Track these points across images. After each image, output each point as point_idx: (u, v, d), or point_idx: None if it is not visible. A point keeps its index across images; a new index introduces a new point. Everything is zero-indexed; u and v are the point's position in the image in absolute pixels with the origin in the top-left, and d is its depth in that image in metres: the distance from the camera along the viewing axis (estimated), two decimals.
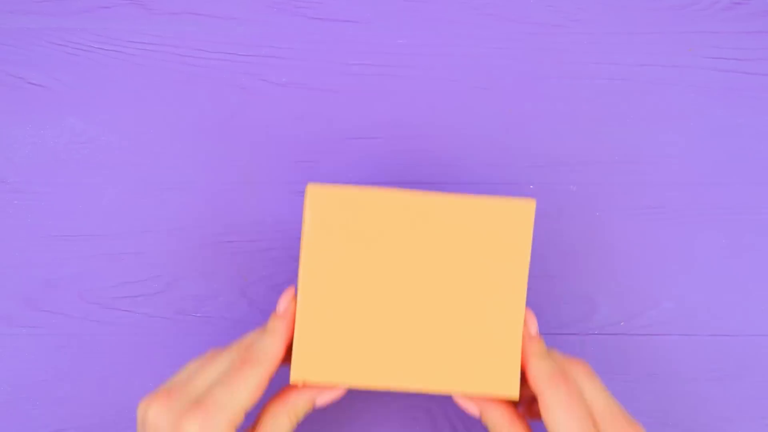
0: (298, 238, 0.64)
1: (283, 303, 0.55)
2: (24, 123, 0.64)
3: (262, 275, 0.64)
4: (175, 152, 0.64)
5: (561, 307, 0.64)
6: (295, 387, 0.55)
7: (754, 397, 0.64)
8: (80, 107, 0.64)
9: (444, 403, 0.64)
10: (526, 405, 0.60)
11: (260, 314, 0.64)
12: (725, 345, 0.64)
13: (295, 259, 0.64)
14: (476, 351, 0.54)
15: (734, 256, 0.65)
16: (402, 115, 0.65)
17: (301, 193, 0.64)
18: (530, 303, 0.64)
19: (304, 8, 0.65)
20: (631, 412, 0.64)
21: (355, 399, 0.64)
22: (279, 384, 0.58)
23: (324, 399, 0.55)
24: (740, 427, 0.64)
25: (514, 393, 0.54)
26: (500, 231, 0.54)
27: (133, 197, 0.64)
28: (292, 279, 0.64)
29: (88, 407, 0.63)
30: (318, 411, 0.64)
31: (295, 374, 0.54)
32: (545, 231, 0.65)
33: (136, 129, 0.64)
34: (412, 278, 0.54)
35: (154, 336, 0.63)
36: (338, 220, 0.54)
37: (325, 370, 0.54)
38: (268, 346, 0.54)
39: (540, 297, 0.64)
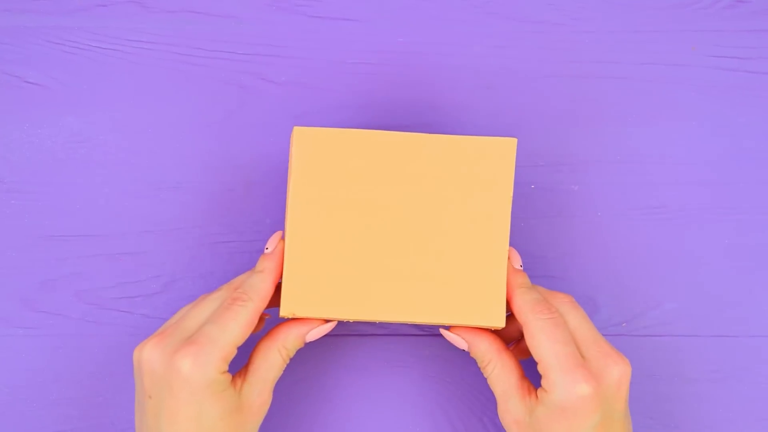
0: None
1: (272, 243, 0.57)
2: (21, 122, 0.64)
3: None
4: (173, 152, 0.64)
5: None
6: (284, 324, 0.57)
7: (755, 399, 0.64)
8: (78, 106, 0.64)
9: (444, 403, 0.64)
10: (515, 343, 0.61)
11: None
12: (727, 346, 0.64)
13: None
14: (462, 284, 0.56)
15: (736, 257, 0.65)
16: (402, 113, 0.65)
17: None
18: None
19: (304, 6, 0.65)
20: (633, 412, 0.63)
21: (355, 399, 0.64)
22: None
23: (313, 334, 0.57)
24: (742, 428, 0.64)
25: (500, 322, 0.56)
26: (483, 168, 0.56)
27: (130, 197, 0.64)
28: None
29: (86, 408, 0.63)
30: (319, 418, 0.64)
31: (285, 308, 0.55)
32: (546, 231, 0.64)
33: (134, 128, 0.64)
34: (398, 215, 0.56)
35: None
36: (324, 160, 0.56)
37: (314, 304, 0.56)
38: (257, 284, 0.55)
39: None
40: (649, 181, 0.65)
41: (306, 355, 0.63)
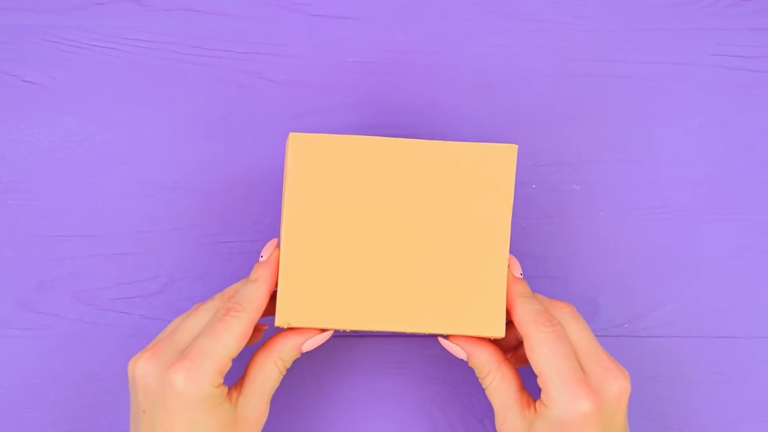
0: None
1: (267, 251, 0.56)
2: (18, 121, 0.63)
3: None
4: (172, 151, 0.64)
5: None
6: (280, 335, 0.56)
7: (758, 400, 0.64)
8: (75, 105, 0.64)
9: (444, 405, 0.64)
10: (513, 351, 0.61)
11: None
12: (729, 347, 0.64)
13: None
14: (461, 293, 0.55)
15: (739, 257, 0.64)
16: (402, 113, 0.64)
17: None
18: None
19: (303, 5, 0.64)
20: (634, 414, 0.63)
21: (355, 400, 0.63)
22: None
23: (310, 344, 0.56)
24: (743, 429, 0.64)
25: (500, 332, 0.55)
26: (483, 175, 0.55)
27: (129, 197, 0.63)
28: None
29: (84, 410, 0.63)
30: (318, 419, 0.63)
31: (280, 318, 0.54)
32: (547, 231, 0.64)
33: (132, 127, 0.64)
34: (396, 223, 0.55)
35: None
36: (320, 167, 0.55)
37: (310, 313, 0.55)
38: (251, 293, 0.54)
39: None
40: (651, 181, 0.65)
41: (305, 356, 0.63)
